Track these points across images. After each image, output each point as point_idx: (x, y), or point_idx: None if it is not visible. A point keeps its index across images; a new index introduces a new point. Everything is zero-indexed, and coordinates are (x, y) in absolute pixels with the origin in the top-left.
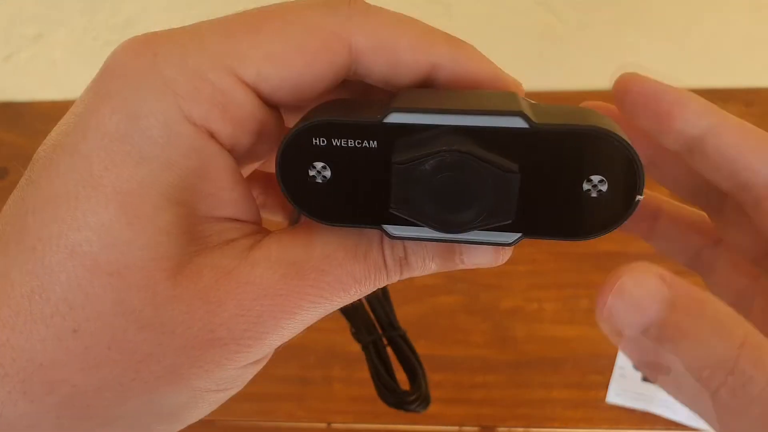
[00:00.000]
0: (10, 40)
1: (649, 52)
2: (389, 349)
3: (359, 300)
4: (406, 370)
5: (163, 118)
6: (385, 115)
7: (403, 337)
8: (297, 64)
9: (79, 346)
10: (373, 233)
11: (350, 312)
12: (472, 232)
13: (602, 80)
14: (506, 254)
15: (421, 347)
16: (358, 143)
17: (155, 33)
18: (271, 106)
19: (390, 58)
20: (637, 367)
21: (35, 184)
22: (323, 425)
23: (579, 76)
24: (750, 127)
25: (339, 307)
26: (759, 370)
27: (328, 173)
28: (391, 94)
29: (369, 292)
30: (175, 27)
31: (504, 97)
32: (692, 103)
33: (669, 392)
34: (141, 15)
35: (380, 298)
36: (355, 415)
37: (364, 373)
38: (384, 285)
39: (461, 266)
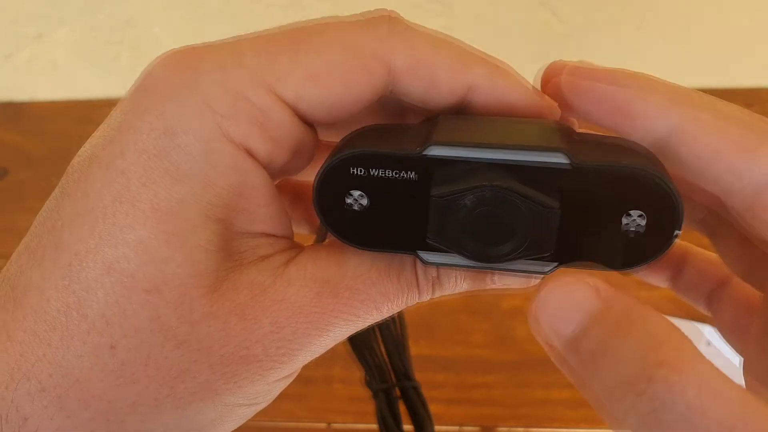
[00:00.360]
0: (10, 39)
1: (649, 51)
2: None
3: (377, 345)
4: (414, 423)
5: (202, 136)
6: (425, 148)
7: (417, 390)
8: (336, 84)
9: (115, 363)
10: (405, 256)
11: (366, 357)
12: (507, 264)
13: None
14: (538, 278)
15: (422, 347)
16: (397, 174)
17: (194, 48)
18: (308, 123)
19: (428, 79)
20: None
21: (71, 198)
22: (323, 425)
23: None
24: (729, 115)
25: (371, 324)
26: (676, 396)
27: (365, 201)
28: (428, 120)
29: (400, 309)
30: (215, 41)
31: (543, 130)
32: (653, 95)
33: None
34: (141, 14)
35: (398, 344)
36: (355, 415)
37: (362, 372)
38: (415, 303)
39: (492, 286)
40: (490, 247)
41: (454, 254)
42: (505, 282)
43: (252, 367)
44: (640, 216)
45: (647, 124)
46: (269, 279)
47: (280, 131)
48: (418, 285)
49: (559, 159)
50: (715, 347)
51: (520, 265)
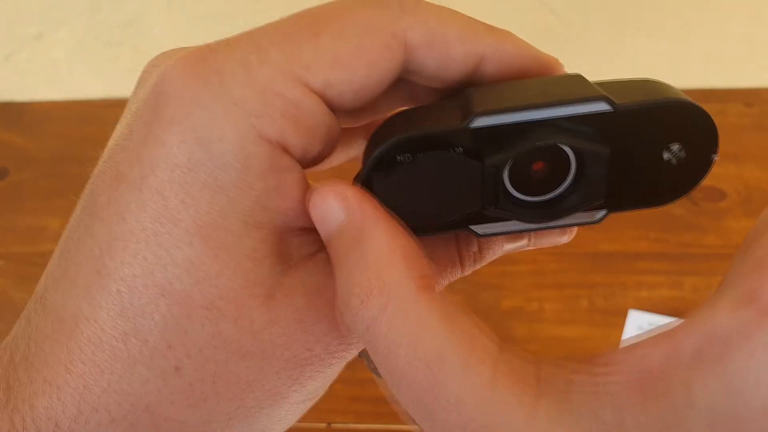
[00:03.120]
0: (10, 39)
1: (649, 52)
2: None
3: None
4: None
5: (238, 141)
6: (470, 121)
7: None
8: (362, 65)
9: (183, 383)
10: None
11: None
12: (558, 219)
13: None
14: (572, 232)
15: None
16: (444, 152)
17: (210, 47)
18: (334, 110)
19: (443, 51)
20: None
21: (104, 222)
22: (323, 425)
23: None
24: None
25: None
26: (360, 311)
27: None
28: (453, 97)
29: (445, 284)
30: (228, 38)
31: (574, 82)
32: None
33: None
34: (142, 14)
35: None
36: (355, 414)
37: (364, 373)
38: (458, 277)
39: (528, 248)
40: (551, 205)
41: (506, 221)
42: (541, 241)
43: (315, 366)
44: (680, 148)
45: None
46: (321, 278)
47: (313, 121)
48: (461, 260)
49: (603, 107)
50: None
51: (571, 218)
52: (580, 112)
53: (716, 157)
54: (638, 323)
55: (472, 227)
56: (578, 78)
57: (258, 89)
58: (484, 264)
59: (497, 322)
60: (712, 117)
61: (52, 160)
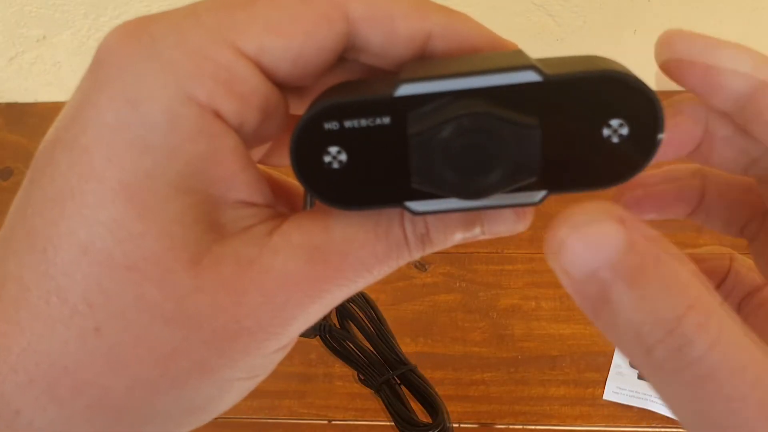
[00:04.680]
0: (14, 41)
1: (645, 54)
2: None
3: (361, 344)
4: (424, 404)
5: (166, 102)
6: (395, 89)
7: (414, 371)
8: (297, 33)
9: (103, 346)
10: (393, 211)
11: (354, 358)
12: (496, 197)
13: None
14: (526, 219)
15: (421, 345)
16: (371, 122)
17: (148, 16)
18: (274, 83)
19: (386, 27)
20: (580, 306)
21: (37, 183)
22: (324, 422)
23: None
24: None
25: (363, 287)
26: (700, 336)
27: (343, 157)
28: (393, 71)
29: (392, 270)
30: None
31: (511, 55)
32: (741, 55)
33: (609, 338)
34: None
35: (380, 335)
36: (356, 412)
37: None
38: (407, 261)
39: (483, 237)
40: (477, 179)
41: (442, 200)
42: (495, 228)
43: (245, 341)
44: (620, 125)
45: (733, 83)
46: (255, 250)
47: (246, 87)
48: (407, 241)
49: (531, 76)
50: None
51: (509, 198)
52: (507, 82)
53: (662, 137)
54: None
55: (408, 204)
56: (517, 52)
57: (188, 51)
58: (434, 249)
59: (495, 320)
60: (656, 94)
61: None
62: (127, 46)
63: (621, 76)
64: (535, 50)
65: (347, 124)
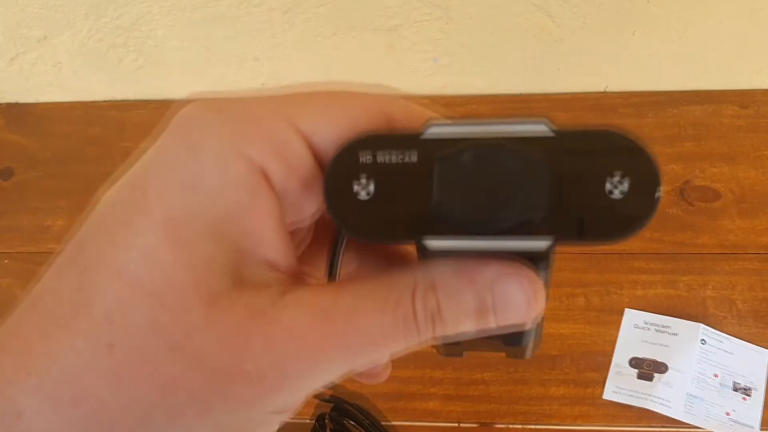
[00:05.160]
0: (15, 41)
1: (644, 54)
2: None
3: None
4: None
5: (220, 152)
6: (427, 128)
7: None
8: (346, 120)
9: (111, 362)
10: (404, 287)
11: None
12: (506, 240)
13: (598, 83)
14: (538, 305)
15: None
16: (400, 158)
17: (220, 98)
18: (318, 163)
19: (412, 122)
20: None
21: (98, 213)
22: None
23: (576, 79)
24: None
25: (369, 365)
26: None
27: (372, 188)
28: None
29: (400, 351)
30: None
31: (529, 116)
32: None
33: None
34: (145, 17)
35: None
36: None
37: None
38: (414, 344)
39: (494, 324)
40: (490, 210)
41: (456, 239)
42: (507, 314)
43: (244, 387)
44: (621, 180)
45: None
46: (267, 303)
47: (294, 156)
48: (416, 317)
49: (543, 129)
50: (710, 345)
51: (517, 243)
52: (521, 130)
53: (660, 194)
54: (634, 321)
55: (425, 240)
56: (540, 115)
57: (249, 118)
58: (445, 332)
59: None
60: (653, 154)
61: (56, 161)
62: (197, 111)
63: (623, 136)
64: (535, 51)
65: (379, 156)
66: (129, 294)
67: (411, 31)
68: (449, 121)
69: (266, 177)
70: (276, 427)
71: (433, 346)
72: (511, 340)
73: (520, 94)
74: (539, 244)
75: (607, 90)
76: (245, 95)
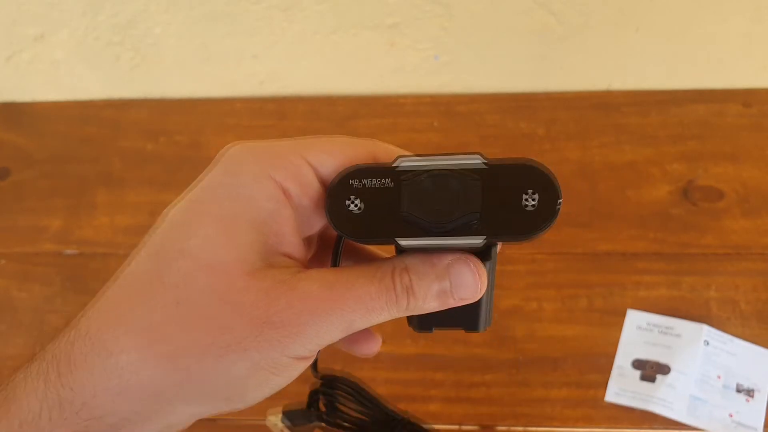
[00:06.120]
0: (12, 40)
1: (648, 52)
2: None
3: (352, 415)
4: None
5: (255, 175)
6: (399, 162)
7: (410, 419)
8: (342, 156)
9: (178, 314)
10: (386, 269)
11: (357, 428)
12: (453, 238)
13: (601, 81)
14: (483, 283)
15: (422, 346)
16: (380, 183)
17: (255, 141)
18: (322, 186)
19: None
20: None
21: (167, 217)
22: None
23: (578, 77)
24: None
25: (363, 326)
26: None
27: (360, 205)
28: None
29: (386, 318)
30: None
31: (469, 153)
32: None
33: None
34: (142, 15)
35: (367, 401)
36: None
37: (363, 372)
38: (395, 311)
39: (452, 300)
40: (442, 215)
41: (419, 239)
42: (461, 293)
43: (272, 332)
44: (533, 195)
45: None
46: (287, 276)
47: (306, 180)
48: (395, 288)
49: (478, 160)
50: (713, 346)
51: (462, 240)
52: (464, 162)
53: (560, 205)
54: (637, 323)
55: (398, 240)
56: (476, 152)
57: (274, 153)
58: (417, 302)
59: (496, 321)
60: (556, 177)
61: (52, 161)
62: (235, 149)
63: (535, 165)
64: (538, 49)
65: (365, 182)
66: (192, 267)
67: (411, 29)
68: (414, 157)
69: (287, 194)
70: (296, 374)
71: (408, 324)
72: (466, 317)
73: (522, 93)
74: (476, 240)
75: (611, 88)
76: (268, 140)
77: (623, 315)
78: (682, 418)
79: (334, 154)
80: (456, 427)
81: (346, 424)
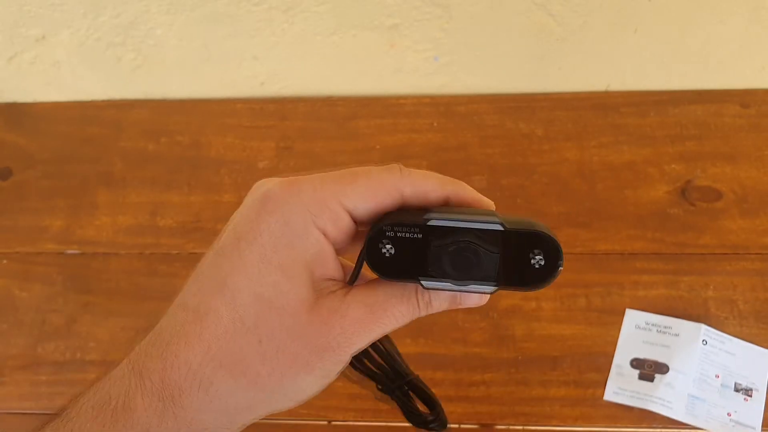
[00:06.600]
0: (13, 41)
1: (646, 53)
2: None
3: (377, 362)
4: (426, 403)
5: (303, 224)
6: (428, 220)
7: (418, 379)
8: (375, 200)
9: (260, 350)
10: (411, 287)
11: (373, 374)
12: (471, 285)
13: (600, 82)
14: (486, 298)
15: (421, 345)
16: (410, 234)
17: (296, 177)
18: (356, 223)
19: (423, 198)
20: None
21: (229, 258)
22: (324, 423)
23: (576, 78)
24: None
25: (391, 330)
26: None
27: (392, 250)
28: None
29: (408, 322)
30: (307, 175)
31: (488, 213)
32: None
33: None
34: (144, 16)
35: (392, 354)
36: (355, 412)
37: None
38: (416, 317)
39: (461, 306)
40: (464, 274)
41: (441, 281)
42: (468, 302)
43: (330, 353)
44: (539, 256)
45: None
46: (337, 304)
47: (343, 224)
48: (418, 305)
49: (497, 225)
50: (711, 346)
51: (477, 287)
52: (485, 226)
53: (562, 266)
54: (635, 322)
55: (422, 281)
56: (492, 212)
57: (317, 200)
58: (432, 311)
59: (495, 320)
60: (560, 242)
61: (54, 161)
62: (284, 192)
63: (543, 232)
64: (536, 50)
65: (398, 232)
66: (265, 310)
67: (411, 30)
68: (441, 214)
69: (326, 235)
70: (338, 374)
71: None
72: None
73: (521, 94)
74: (489, 288)
75: (609, 89)
76: (312, 179)
77: (622, 314)
78: (681, 417)
79: (365, 198)
80: (455, 425)
81: (369, 366)
